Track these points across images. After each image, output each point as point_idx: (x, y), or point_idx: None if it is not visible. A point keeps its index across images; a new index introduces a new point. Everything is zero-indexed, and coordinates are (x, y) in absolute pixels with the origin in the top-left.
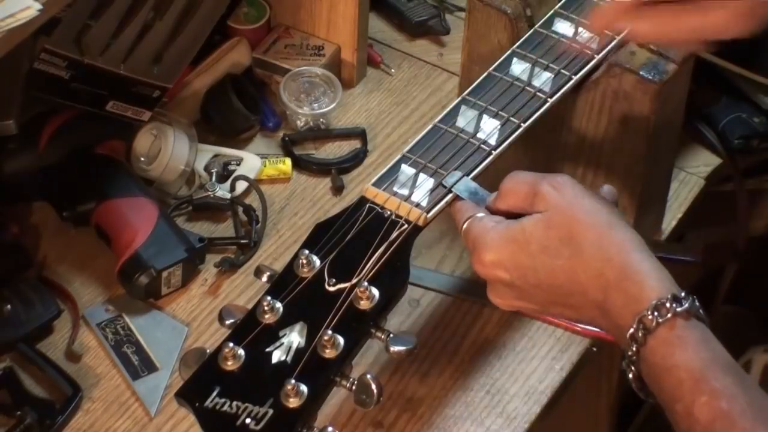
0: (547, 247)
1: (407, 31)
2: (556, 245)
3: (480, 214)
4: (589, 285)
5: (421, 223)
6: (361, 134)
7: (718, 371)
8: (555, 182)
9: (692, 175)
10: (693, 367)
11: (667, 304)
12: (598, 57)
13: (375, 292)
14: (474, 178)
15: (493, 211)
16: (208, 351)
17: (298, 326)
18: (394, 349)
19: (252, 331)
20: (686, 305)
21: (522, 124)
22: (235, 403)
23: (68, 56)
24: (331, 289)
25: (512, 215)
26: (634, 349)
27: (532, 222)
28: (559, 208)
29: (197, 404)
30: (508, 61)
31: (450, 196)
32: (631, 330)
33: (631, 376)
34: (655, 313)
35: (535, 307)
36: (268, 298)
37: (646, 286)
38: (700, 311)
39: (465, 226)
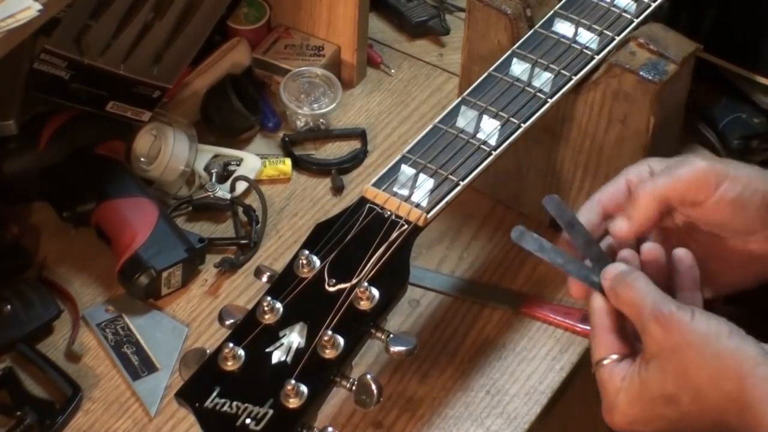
0: (669, 396)
1: (407, 31)
2: (677, 392)
3: (605, 361)
4: (720, 422)
5: (421, 223)
6: (361, 134)
7: None
8: (663, 319)
9: None
10: None
11: None
12: (598, 57)
13: (375, 292)
14: (474, 179)
15: (614, 317)
16: (208, 351)
17: (298, 326)
18: (394, 349)
19: (252, 332)
20: None
21: (522, 125)
22: (235, 403)
23: (68, 56)
24: (331, 289)
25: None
26: None
27: (649, 375)
28: (669, 352)
29: (197, 404)
30: (508, 62)
31: (451, 196)
32: None
33: None
34: None
35: None
36: (268, 298)
37: (761, 416)
38: None
39: (599, 370)
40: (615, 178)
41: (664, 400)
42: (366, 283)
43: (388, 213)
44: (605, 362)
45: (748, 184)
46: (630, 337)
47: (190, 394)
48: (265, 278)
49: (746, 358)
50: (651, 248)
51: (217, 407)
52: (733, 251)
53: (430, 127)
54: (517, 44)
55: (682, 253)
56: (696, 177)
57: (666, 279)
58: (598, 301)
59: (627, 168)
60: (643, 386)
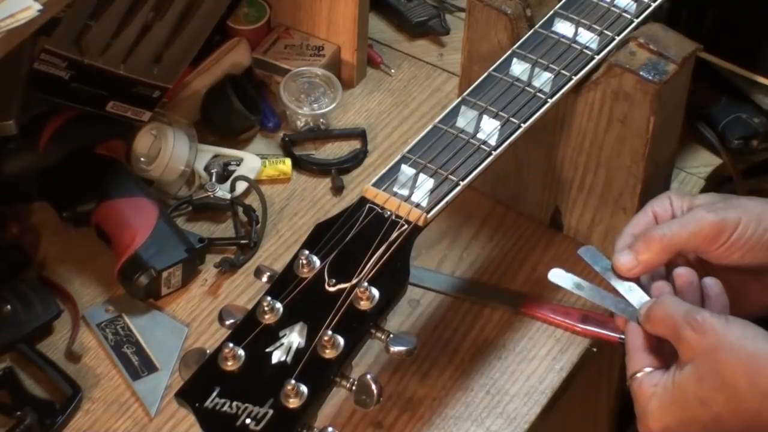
0: (704, 399)
1: (407, 31)
2: (712, 395)
3: (639, 374)
4: (758, 422)
5: (421, 223)
6: (361, 134)
7: None
8: (696, 324)
9: (692, 175)
10: None
11: None
12: (598, 57)
13: (375, 292)
14: (474, 179)
15: (650, 341)
16: (208, 351)
17: (298, 326)
18: (394, 349)
19: (252, 332)
20: None
21: (522, 125)
22: (235, 403)
23: (68, 56)
24: (331, 289)
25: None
26: None
27: (684, 379)
28: (704, 355)
29: (197, 404)
30: (508, 62)
31: (451, 196)
32: None
33: None
34: None
35: None
36: (268, 298)
37: None
38: None
39: (633, 382)
40: (642, 211)
41: (699, 402)
42: (366, 283)
43: (388, 213)
44: (638, 375)
45: (759, 224)
46: (665, 355)
47: (190, 394)
48: (265, 278)
49: None
50: (683, 273)
51: (217, 407)
52: (747, 284)
53: (430, 127)
54: (517, 44)
55: (711, 281)
56: (710, 233)
57: (698, 304)
58: (632, 325)
59: (651, 202)
60: (676, 390)
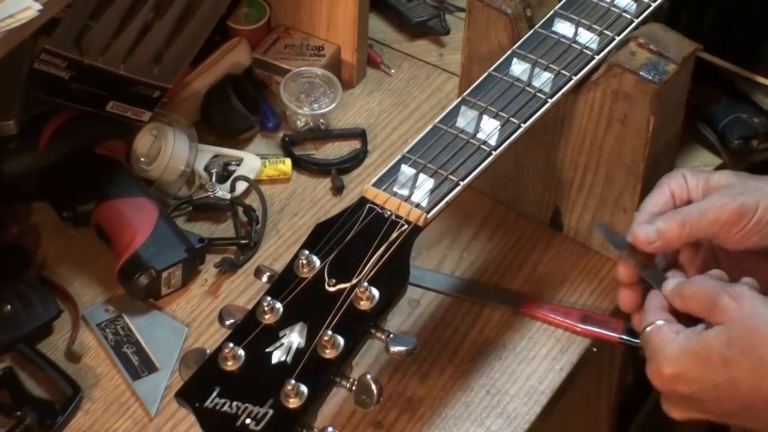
0: (728, 359)
1: (407, 31)
2: (737, 357)
3: (660, 322)
4: None
5: (421, 223)
6: (361, 134)
7: None
8: (734, 293)
9: None
10: None
11: None
12: (598, 57)
13: (375, 292)
14: (474, 179)
15: (671, 310)
16: (208, 351)
17: (298, 326)
18: (394, 349)
19: (252, 332)
20: None
21: (522, 125)
22: (235, 403)
23: (68, 56)
24: (331, 289)
25: (691, 318)
26: None
27: (711, 335)
28: (739, 321)
29: (197, 404)
30: (508, 62)
31: (451, 196)
32: None
33: None
34: None
35: (714, 418)
36: (268, 298)
37: None
38: None
39: (646, 332)
40: (659, 189)
41: (722, 361)
42: (366, 283)
43: (388, 213)
44: (658, 322)
45: None
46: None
47: (190, 394)
48: (265, 278)
49: None
50: (715, 273)
51: (217, 407)
52: (760, 266)
53: (430, 127)
54: (517, 44)
55: (747, 280)
56: (729, 219)
57: None
58: (654, 292)
59: (665, 178)
60: (701, 344)
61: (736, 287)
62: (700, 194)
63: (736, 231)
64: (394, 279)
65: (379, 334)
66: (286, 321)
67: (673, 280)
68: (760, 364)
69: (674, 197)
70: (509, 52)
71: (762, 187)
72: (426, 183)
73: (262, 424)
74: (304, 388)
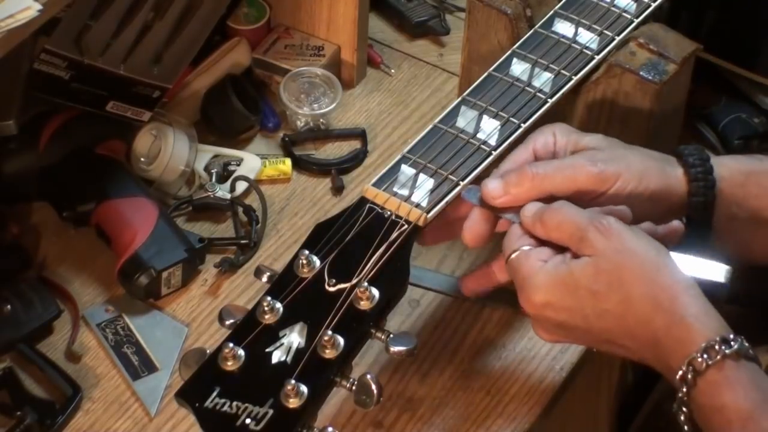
0: (596, 292)
1: (407, 31)
2: (605, 291)
3: (526, 247)
4: (639, 330)
5: (421, 223)
6: (361, 134)
7: None
8: (602, 227)
9: None
10: (742, 407)
11: (716, 347)
12: (598, 57)
13: (375, 292)
14: (474, 179)
15: (535, 238)
16: (208, 351)
17: (298, 326)
18: (394, 349)
19: (252, 332)
20: (735, 347)
21: (522, 125)
22: (235, 403)
23: (68, 56)
24: (331, 289)
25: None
26: (684, 390)
27: (580, 266)
28: (607, 255)
29: (197, 404)
30: (508, 62)
31: (451, 196)
32: (681, 372)
33: (682, 418)
34: (705, 356)
35: (581, 344)
36: (268, 298)
37: (694, 330)
38: (750, 352)
39: (512, 257)
40: (523, 146)
41: (590, 293)
42: (366, 283)
43: (388, 213)
44: (525, 248)
45: (639, 182)
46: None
47: (190, 394)
48: (265, 278)
49: (682, 279)
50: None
51: (217, 407)
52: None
53: (430, 127)
54: (517, 44)
55: (622, 207)
56: (585, 183)
57: None
58: (514, 227)
59: (534, 134)
60: (570, 275)
61: (603, 220)
62: (568, 153)
63: (594, 197)
64: (394, 279)
65: (379, 334)
66: (286, 321)
67: (532, 205)
68: (626, 299)
69: (536, 154)
70: (509, 52)
71: (627, 157)
72: (426, 183)
73: (262, 424)
74: (304, 388)
